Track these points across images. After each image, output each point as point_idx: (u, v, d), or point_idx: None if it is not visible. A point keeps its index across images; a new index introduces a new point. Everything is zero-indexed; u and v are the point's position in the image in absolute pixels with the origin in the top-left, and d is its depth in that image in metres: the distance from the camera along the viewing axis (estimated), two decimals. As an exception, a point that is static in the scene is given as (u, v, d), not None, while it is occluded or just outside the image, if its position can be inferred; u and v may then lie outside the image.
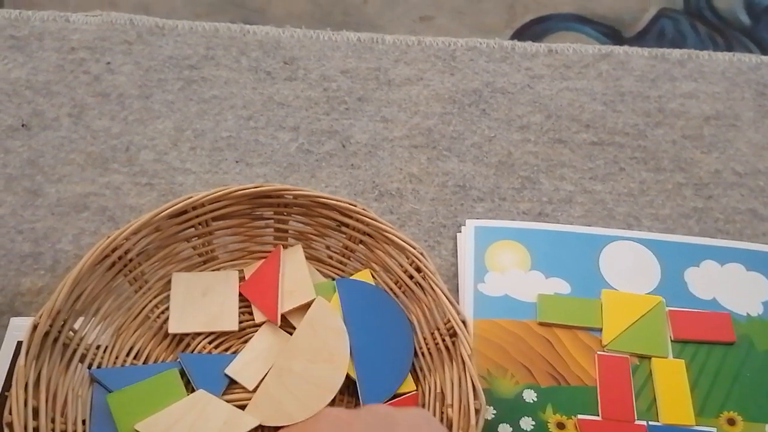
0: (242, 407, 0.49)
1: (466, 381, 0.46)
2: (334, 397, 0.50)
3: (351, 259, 0.56)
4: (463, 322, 0.48)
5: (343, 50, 0.72)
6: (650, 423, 0.51)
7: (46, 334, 0.46)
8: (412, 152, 0.66)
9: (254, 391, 0.50)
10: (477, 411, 0.44)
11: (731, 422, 0.52)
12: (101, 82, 0.68)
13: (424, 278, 0.51)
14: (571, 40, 0.80)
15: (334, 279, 0.55)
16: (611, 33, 0.81)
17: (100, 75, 0.68)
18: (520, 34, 0.79)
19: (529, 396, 0.52)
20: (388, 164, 0.65)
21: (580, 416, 0.51)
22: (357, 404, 0.51)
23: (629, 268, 0.58)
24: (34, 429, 0.43)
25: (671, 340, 0.55)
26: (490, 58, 0.73)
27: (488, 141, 0.67)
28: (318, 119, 0.67)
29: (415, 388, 0.51)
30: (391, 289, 0.54)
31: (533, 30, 0.80)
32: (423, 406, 0.50)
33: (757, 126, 0.69)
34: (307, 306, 0.54)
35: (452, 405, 0.47)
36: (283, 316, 0.54)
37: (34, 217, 0.59)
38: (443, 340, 0.50)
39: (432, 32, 0.79)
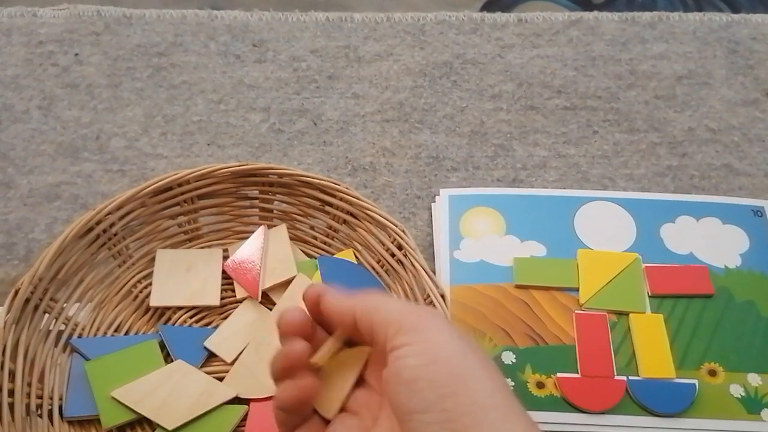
0: (220, 379, 0.49)
1: None
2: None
3: (335, 239, 0.56)
4: (442, 296, 0.48)
5: (312, 30, 0.72)
6: (630, 378, 0.51)
7: (27, 300, 0.47)
8: (384, 126, 0.66)
9: (232, 363, 0.51)
10: None
11: (712, 373, 0.51)
12: (70, 73, 0.67)
13: (405, 255, 0.51)
14: (541, 9, 0.80)
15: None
16: (580, 0, 0.81)
17: (69, 66, 0.68)
18: (490, 6, 0.79)
19: (508, 357, 0.52)
20: (361, 139, 0.65)
21: (559, 374, 0.51)
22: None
23: (604, 228, 0.58)
24: (9, 391, 0.44)
25: (649, 296, 0.55)
26: (460, 30, 0.73)
27: (460, 111, 0.67)
28: (289, 99, 0.67)
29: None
30: (373, 268, 0.54)
31: (502, 1, 0.80)
32: None
33: (730, 83, 0.69)
34: (288, 282, 0.54)
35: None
36: (264, 293, 0.54)
37: (6, 208, 0.59)
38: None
39: (401, 8, 0.79)
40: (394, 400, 0.33)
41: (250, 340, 0.52)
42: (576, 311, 0.54)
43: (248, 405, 0.48)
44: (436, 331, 0.34)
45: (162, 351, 0.51)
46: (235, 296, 0.54)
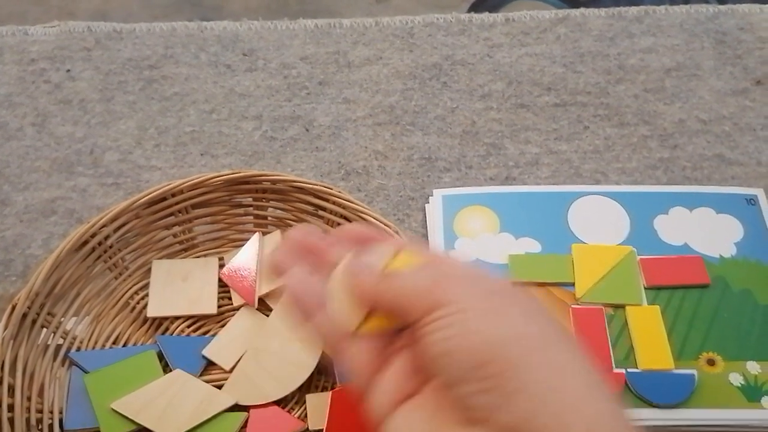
0: (219, 387, 0.49)
1: None
2: (311, 375, 0.50)
3: (329, 244, 0.56)
4: None
5: (301, 37, 0.72)
6: (629, 370, 0.51)
7: (24, 315, 0.47)
8: (375, 130, 0.66)
9: (231, 371, 0.51)
10: None
11: (711, 363, 0.51)
12: (62, 89, 0.68)
13: (401, 257, 0.51)
14: (528, 7, 0.80)
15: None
16: (567, -3, 0.81)
17: (61, 83, 0.68)
18: (477, 7, 0.80)
19: (506, 355, 0.52)
20: (353, 144, 0.65)
21: (557, 370, 0.51)
22: (333, 383, 0.51)
23: (598, 222, 0.58)
24: (9, 406, 0.44)
25: (645, 288, 0.55)
26: (448, 32, 0.73)
27: (451, 112, 0.67)
28: (280, 106, 0.67)
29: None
30: None
31: (489, 2, 0.80)
32: None
33: (719, 73, 0.69)
34: (284, 288, 0.54)
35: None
36: (261, 299, 0.54)
37: (2, 225, 0.60)
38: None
39: (389, 13, 0.79)
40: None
41: (248, 347, 0.52)
42: (572, 306, 0.54)
43: (248, 412, 0.49)
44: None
45: (160, 361, 0.51)
46: (232, 304, 0.54)
